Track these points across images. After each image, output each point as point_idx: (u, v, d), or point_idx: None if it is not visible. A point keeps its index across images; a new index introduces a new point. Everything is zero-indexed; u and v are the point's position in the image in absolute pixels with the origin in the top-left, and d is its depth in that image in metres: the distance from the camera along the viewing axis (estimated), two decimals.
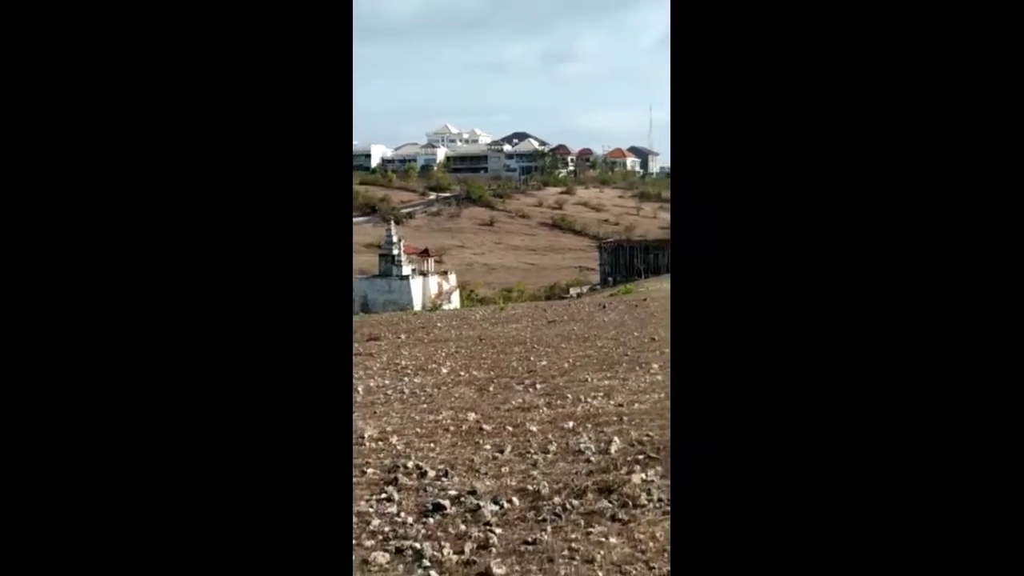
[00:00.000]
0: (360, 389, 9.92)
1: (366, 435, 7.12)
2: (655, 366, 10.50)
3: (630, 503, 5.04)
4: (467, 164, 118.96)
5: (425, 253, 52.30)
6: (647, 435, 6.63)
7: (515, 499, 5.25)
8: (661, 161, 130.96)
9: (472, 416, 7.78)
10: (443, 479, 5.74)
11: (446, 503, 5.24)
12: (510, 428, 7.16)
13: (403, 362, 12.32)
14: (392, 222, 58.12)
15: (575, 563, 4.23)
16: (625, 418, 7.44)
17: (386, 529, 4.83)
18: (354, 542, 4.69)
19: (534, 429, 7.04)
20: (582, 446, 6.37)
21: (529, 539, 4.60)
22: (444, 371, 11.26)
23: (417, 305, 41.55)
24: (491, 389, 9.53)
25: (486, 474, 5.80)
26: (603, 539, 4.54)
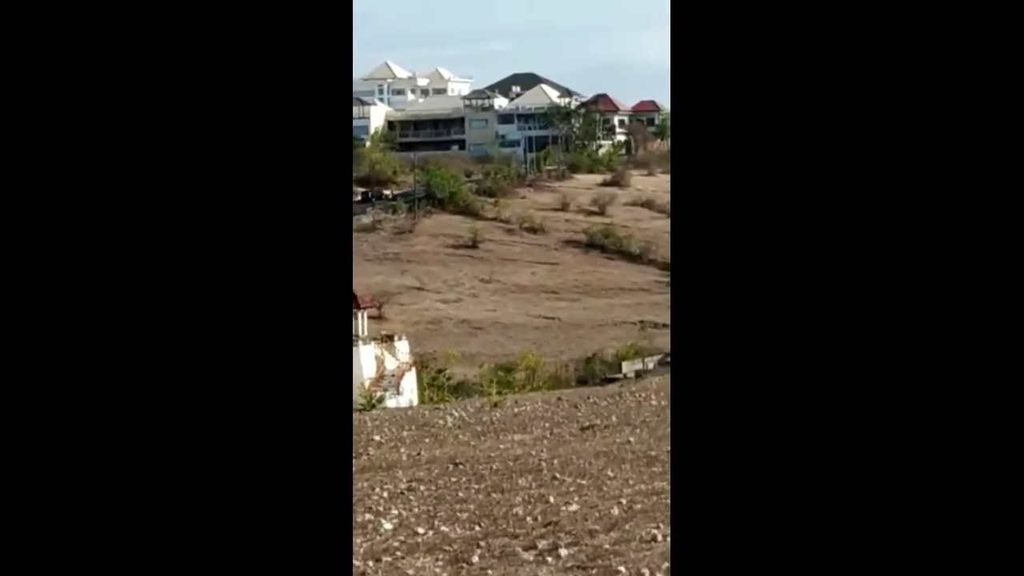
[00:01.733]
0: None
1: None
2: None
3: None
4: (428, 133, 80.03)
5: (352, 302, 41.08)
6: None
7: None
8: None
9: None
10: None
11: None
12: None
13: None
14: None
15: None
16: None
17: None
18: None
19: None
20: None
21: None
22: (387, 527, 8.55)
23: None
24: (475, 560, 7.17)
25: None
26: None
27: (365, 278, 49.12)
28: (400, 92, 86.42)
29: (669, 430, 11.78)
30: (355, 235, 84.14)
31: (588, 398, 19.69)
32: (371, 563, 7.32)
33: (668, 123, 79.54)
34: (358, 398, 31.20)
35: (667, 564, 6.35)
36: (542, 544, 7.51)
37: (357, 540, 8.46)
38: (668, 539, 7.72)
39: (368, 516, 9.18)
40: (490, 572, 6.91)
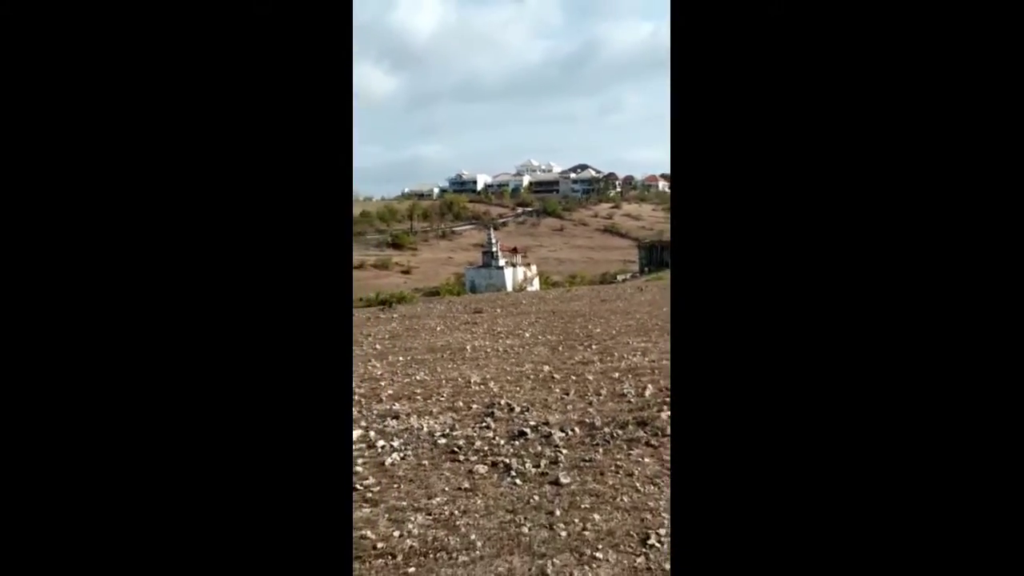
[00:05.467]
0: (468, 348, 11.85)
1: (472, 380, 8.87)
2: None
3: (659, 432, 6.36)
4: (544, 187, 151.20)
5: (515, 251, 66.51)
6: None
7: (576, 428, 6.58)
8: None
9: (546, 368, 9.69)
10: (526, 413, 7.20)
11: (527, 431, 6.56)
12: (573, 377, 9.01)
13: (498, 328, 14.62)
14: (491, 228, 75.70)
15: (619, 475, 5.44)
16: (656, 371, 9.00)
17: (485, 448, 6.16)
18: (462, 459, 5.86)
19: (591, 378, 8.88)
20: (625, 391, 8.03)
21: (587, 458, 5.80)
22: (527, 335, 13.35)
23: (509, 288, 51.62)
24: (560, 349, 11.54)
25: (556, 410, 7.27)
26: (640, 459, 5.76)
27: (520, 241, 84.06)
28: (534, 170, 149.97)
29: (637, 301, 19.37)
30: (515, 225, 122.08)
31: (604, 289, 28.31)
32: (520, 349, 11.61)
33: (638, 184, 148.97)
34: (516, 287, 46.16)
35: (635, 353, 10.43)
36: (586, 344, 12.08)
37: (510, 341, 12.44)
38: (635, 343, 11.58)
39: (519, 331, 14.22)
40: (566, 353, 11.10)
